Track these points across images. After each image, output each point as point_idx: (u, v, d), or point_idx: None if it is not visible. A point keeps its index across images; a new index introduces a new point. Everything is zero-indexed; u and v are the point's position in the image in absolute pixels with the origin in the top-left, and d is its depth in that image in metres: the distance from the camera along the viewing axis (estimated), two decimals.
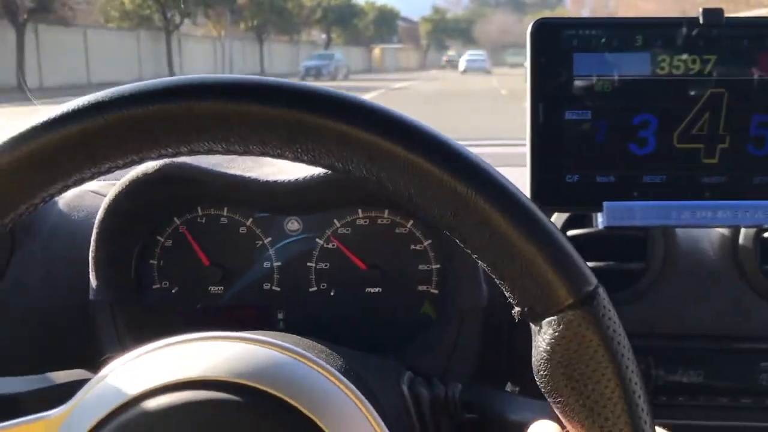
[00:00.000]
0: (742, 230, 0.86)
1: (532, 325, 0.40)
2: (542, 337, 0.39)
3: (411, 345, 0.82)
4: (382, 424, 0.47)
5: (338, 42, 54.20)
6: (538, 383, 0.40)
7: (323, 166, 0.39)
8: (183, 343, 0.49)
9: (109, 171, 0.40)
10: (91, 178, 0.40)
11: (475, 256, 0.39)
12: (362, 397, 0.47)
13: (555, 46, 0.75)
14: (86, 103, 0.38)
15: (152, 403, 0.45)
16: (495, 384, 0.79)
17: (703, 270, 0.87)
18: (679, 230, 0.87)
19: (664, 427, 0.48)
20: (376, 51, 62.12)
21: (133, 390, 0.45)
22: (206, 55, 30.17)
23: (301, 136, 0.38)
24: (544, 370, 0.39)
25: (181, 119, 0.37)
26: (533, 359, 0.40)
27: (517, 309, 0.40)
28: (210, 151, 0.39)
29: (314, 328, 0.80)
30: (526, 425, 0.57)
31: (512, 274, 0.38)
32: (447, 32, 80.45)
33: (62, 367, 0.70)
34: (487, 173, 0.38)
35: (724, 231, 0.88)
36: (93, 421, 0.45)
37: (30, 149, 0.37)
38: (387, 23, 64.10)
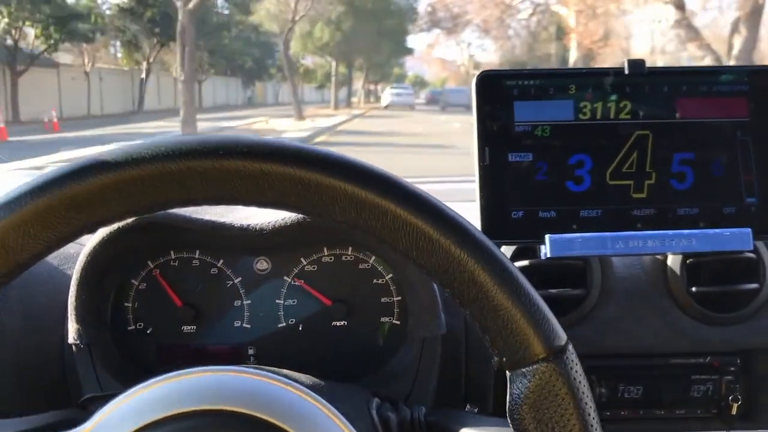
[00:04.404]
0: (670, 257, 0.94)
1: (508, 372, 0.46)
2: (517, 384, 0.45)
3: (376, 373, 0.88)
4: None
5: None
6: (510, 424, 0.46)
7: (336, 223, 0.45)
8: (180, 377, 0.53)
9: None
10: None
11: (463, 310, 0.45)
12: (344, 420, 0.53)
13: (497, 95, 0.83)
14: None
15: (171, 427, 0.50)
16: (455, 406, 0.85)
17: (637, 294, 0.95)
18: (614, 258, 0.95)
19: None
20: None
21: (140, 420, 0.50)
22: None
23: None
24: (517, 414, 0.45)
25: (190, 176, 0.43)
26: (507, 402, 0.46)
27: (496, 358, 0.46)
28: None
29: (284, 361, 0.85)
30: None
31: (495, 328, 0.45)
32: None
33: (41, 409, 0.73)
34: (478, 239, 0.45)
35: (655, 258, 0.96)
36: None
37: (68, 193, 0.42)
38: None
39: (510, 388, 0.46)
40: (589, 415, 0.45)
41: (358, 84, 51.95)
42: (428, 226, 0.44)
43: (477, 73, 0.83)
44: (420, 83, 75.44)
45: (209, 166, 0.43)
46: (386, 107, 34.67)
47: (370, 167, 0.45)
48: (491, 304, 0.44)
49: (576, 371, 0.45)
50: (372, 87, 63.86)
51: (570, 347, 0.46)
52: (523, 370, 0.45)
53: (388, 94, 37.03)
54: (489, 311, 0.44)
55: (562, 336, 0.46)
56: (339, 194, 0.43)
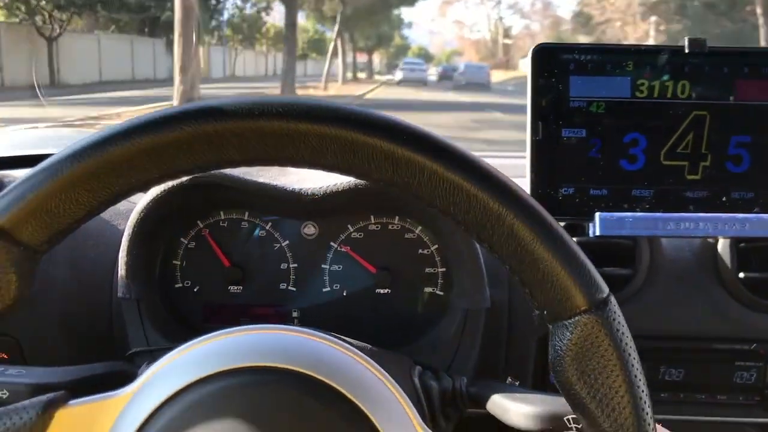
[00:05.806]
0: (721, 240, 0.92)
1: (550, 326, 0.46)
2: (559, 336, 0.45)
3: (418, 342, 0.89)
4: (413, 407, 0.53)
5: None
6: (553, 377, 0.46)
7: (373, 181, 0.45)
8: (230, 335, 0.54)
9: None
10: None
11: (503, 263, 0.45)
12: (395, 384, 0.53)
13: (553, 69, 0.81)
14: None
15: (213, 386, 0.50)
16: (494, 378, 0.85)
17: (685, 276, 0.94)
18: (663, 239, 0.94)
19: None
20: None
21: (195, 374, 0.51)
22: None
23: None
24: (560, 366, 0.45)
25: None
26: (550, 356, 0.46)
27: (536, 311, 0.46)
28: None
29: (327, 325, 0.86)
30: (528, 415, 0.64)
31: (535, 281, 0.45)
32: None
33: (87, 360, 0.75)
34: (517, 194, 0.44)
35: (705, 241, 0.95)
36: (160, 399, 0.50)
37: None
38: None
39: (551, 340, 0.46)
40: (633, 366, 0.45)
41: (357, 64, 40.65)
42: (465, 181, 0.43)
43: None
44: (425, 57, 67.33)
45: (245, 127, 0.43)
46: (399, 83, 33.86)
47: (405, 124, 0.44)
48: (531, 257, 0.44)
49: (619, 323, 0.45)
50: (365, 58, 52.57)
51: (612, 299, 0.46)
52: (565, 322, 0.45)
53: (400, 70, 36.27)
54: (529, 264, 0.44)
55: (604, 288, 0.45)
56: (375, 152, 0.43)
